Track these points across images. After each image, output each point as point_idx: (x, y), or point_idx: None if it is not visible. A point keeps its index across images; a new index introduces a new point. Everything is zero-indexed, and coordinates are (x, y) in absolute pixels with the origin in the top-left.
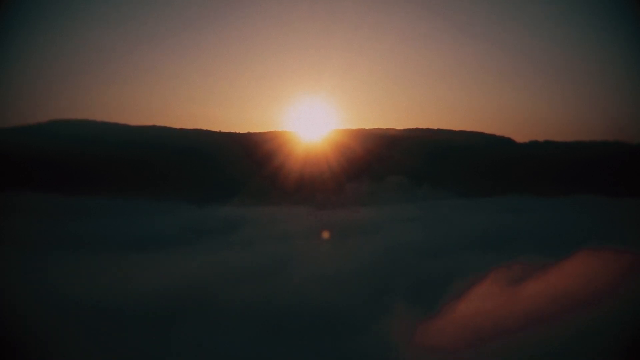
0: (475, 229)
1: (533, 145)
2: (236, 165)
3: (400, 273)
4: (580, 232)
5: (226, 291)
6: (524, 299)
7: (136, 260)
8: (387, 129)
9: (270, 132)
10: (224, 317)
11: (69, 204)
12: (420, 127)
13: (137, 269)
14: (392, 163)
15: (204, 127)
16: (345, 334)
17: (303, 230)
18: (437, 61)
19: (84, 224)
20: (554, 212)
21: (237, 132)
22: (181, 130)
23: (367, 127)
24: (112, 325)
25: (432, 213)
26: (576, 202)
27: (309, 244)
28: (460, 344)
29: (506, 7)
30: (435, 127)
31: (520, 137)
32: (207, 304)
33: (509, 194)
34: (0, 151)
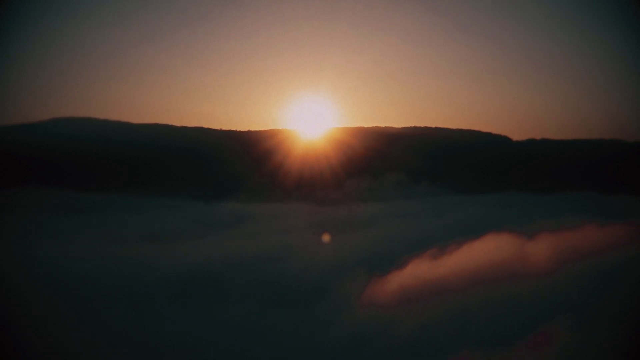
0: (462, 223)
1: (530, 143)
2: (237, 163)
3: (381, 259)
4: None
5: (234, 274)
6: (434, 269)
7: (155, 249)
8: (385, 127)
9: (270, 130)
10: (233, 293)
11: (76, 200)
12: (418, 125)
13: (157, 256)
14: (391, 160)
15: (205, 125)
16: (324, 300)
17: (302, 225)
18: (436, 60)
19: (96, 218)
20: (543, 207)
21: (238, 130)
22: (183, 128)
23: (366, 126)
24: (139, 299)
25: (427, 209)
26: (571, 199)
27: (308, 237)
28: (391, 301)
29: (504, 5)
30: (433, 126)
31: (517, 135)
32: (219, 284)
33: (505, 191)
34: (3, 149)
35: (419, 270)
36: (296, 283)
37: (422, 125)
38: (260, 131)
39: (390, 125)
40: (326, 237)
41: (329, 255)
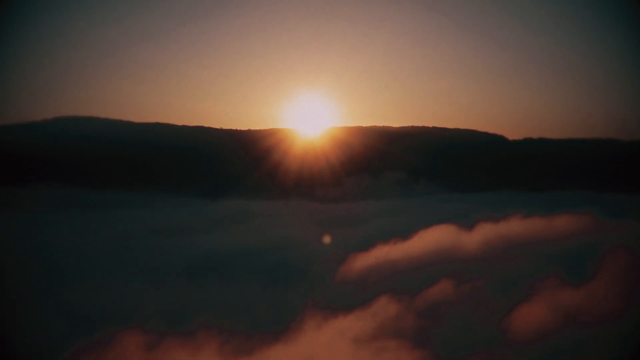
0: (450, 218)
1: (528, 142)
2: (238, 162)
3: (360, 247)
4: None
5: (240, 262)
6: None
7: (165, 242)
8: (384, 126)
9: (270, 129)
10: (239, 276)
11: (82, 197)
12: (416, 124)
13: (169, 247)
14: (390, 159)
15: (205, 124)
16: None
17: (302, 221)
18: (433, 60)
19: (103, 214)
20: (531, 205)
21: (238, 129)
22: (184, 127)
23: (364, 125)
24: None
25: (422, 206)
26: (567, 198)
27: (306, 232)
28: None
29: (502, 4)
30: (431, 125)
31: (514, 134)
32: (227, 268)
33: (501, 190)
34: (8, 148)
35: (378, 253)
36: (291, 267)
37: (420, 124)
38: (260, 130)
39: (388, 125)
40: (325, 232)
41: (322, 247)
